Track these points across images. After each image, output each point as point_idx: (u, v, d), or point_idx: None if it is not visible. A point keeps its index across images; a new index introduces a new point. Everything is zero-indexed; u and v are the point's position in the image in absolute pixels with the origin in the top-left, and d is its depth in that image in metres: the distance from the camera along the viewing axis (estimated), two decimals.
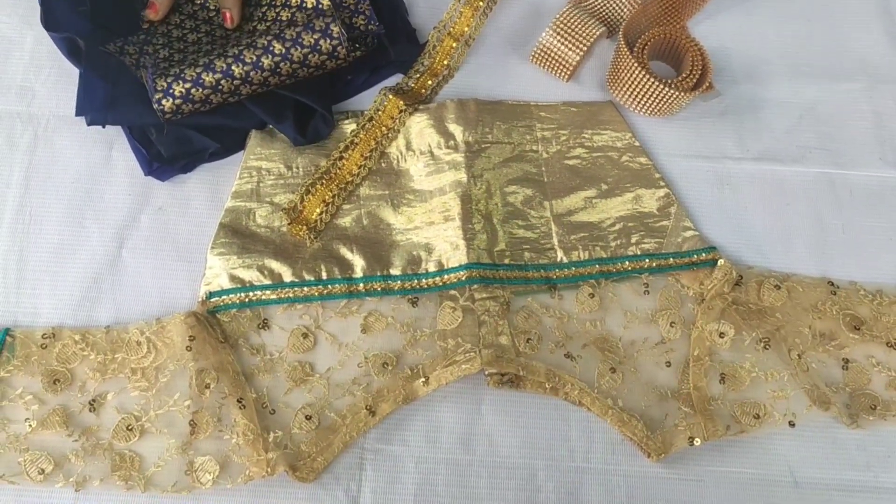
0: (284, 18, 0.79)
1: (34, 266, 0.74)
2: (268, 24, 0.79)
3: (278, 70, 0.74)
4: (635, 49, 0.81)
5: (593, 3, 0.87)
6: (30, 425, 0.67)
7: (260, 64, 0.73)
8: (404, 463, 0.68)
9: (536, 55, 0.84)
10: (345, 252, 0.74)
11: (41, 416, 0.67)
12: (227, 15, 0.78)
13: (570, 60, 0.82)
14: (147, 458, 0.66)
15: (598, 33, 0.82)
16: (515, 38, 0.87)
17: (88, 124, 0.75)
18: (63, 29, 0.78)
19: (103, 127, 0.77)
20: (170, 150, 0.76)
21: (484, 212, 0.75)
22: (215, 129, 0.77)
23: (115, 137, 0.79)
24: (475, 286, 0.72)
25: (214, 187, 0.78)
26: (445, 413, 0.70)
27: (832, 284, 0.76)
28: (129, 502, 0.66)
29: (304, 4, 0.77)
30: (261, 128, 0.79)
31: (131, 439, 0.67)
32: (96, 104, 0.75)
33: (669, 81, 0.80)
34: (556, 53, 0.83)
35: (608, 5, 0.86)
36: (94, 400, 0.68)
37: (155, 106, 0.73)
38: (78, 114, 0.75)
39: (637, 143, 0.81)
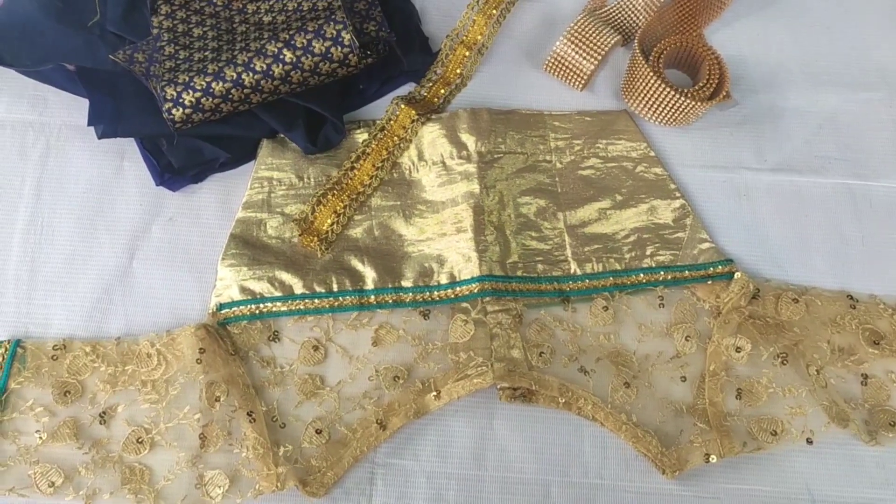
0: (291, 8, 0.78)
1: (46, 276, 0.74)
2: (273, 14, 0.78)
3: (289, 78, 0.74)
4: (651, 58, 0.80)
5: (608, 11, 0.86)
6: (40, 437, 0.67)
7: (270, 72, 0.73)
8: (415, 478, 0.68)
9: (550, 64, 0.83)
10: (356, 263, 0.73)
11: (51, 428, 0.67)
12: None
13: (584, 69, 0.81)
14: (157, 472, 0.66)
15: (612, 42, 0.81)
16: (529, 47, 0.87)
17: (100, 137, 0.75)
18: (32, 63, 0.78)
19: (113, 138, 0.77)
20: (180, 160, 0.76)
21: (496, 223, 0.75)
22: (226, 138, 0.77)
23: (126, 148, 0.79)
24: (487, 298, 0.72)
25: (225, 197, 0.78)
26: (457, 427, 0.69)
27: (851, 298, 0.74)
28: None
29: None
30: (271, 137, 0.78)
31: (141, 452, 0.66)
32: (106, 117, 0.75)
33: (686, 91, 0.78)
34: (570, 62, 0.82)
35: (623, 14, 0.86)
36: (104, 412, 0.68)
37: (165, 115, 0.72)
38: (90, 123, 0.75)
39: (652, 154, 0.80)
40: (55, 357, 0.70)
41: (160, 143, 0.76)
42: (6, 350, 0.70)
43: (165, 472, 0.66)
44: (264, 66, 0.73)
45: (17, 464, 0.66)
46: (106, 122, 0.75)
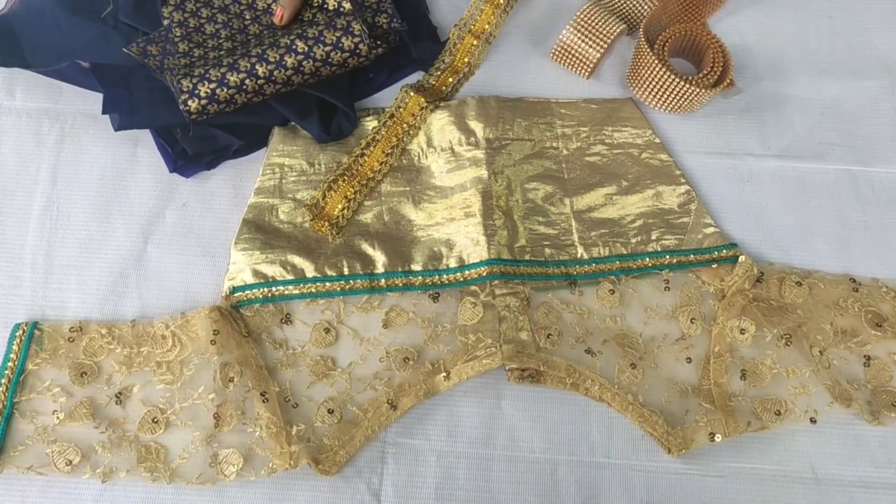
0: (306, 18, 0.79)
1: (62, 260, 0.75)
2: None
3: (301, 68, 0.75)
4: (656, 46, 0.81)
5: (613, 0, 0.87)
6: (57, 417, 0.68)
7: (283, 62, 0.74)
8: (426, 457, 0.69)
9: (557, 52, 0.84)
10: (366, 248, 0.75)
11: (69, 409, 0.68)
12: (280, 12, 0.78)
13: (590, 58, 0.82)
14: (172, 450, 0.67)
15: (618, 31, 0.82)
16: (536, 36, 0.88)
17: (116, 129, 0.76)
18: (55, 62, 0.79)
19: (128, 129, 0.78)
20: (194, 147, 0.77)
21: (504, 208, 0.76)
22: (239, 126, 0.78)
23: (140, 135, 0.80)
24: (496, 282, 0.73)
25: (237, 183, 0.79)
26: (466, 408, 0.70)
27: (854, 281, 0.75)
28: (154, 493, 0.67)
29: (326, 5, 0.78)
30: (283, 124, 0.80)
31: (157, 431, 0.68)
32: (121, 110, 0.76)
33: (690, 78, 0.80)
34: (576, 51, 0.83)
35: (628, 3, 0.87)
36: (120, 392, 0.69)
37: (181, 107, 0.73)
38: (104, 112, 0.76)
39: (657, 140, 0.81)
40: (72, 339, 0.71)
41: (174, 130, 0.77)
42: (24, 332, 0.71)
43: (180, 451, 0.67)
44: (277, 57, 0.74)
45: (35, 443, 0.67)
46: (122, 115, 0.76)
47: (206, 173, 0.79)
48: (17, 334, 0.71)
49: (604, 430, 0.70)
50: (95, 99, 0.77)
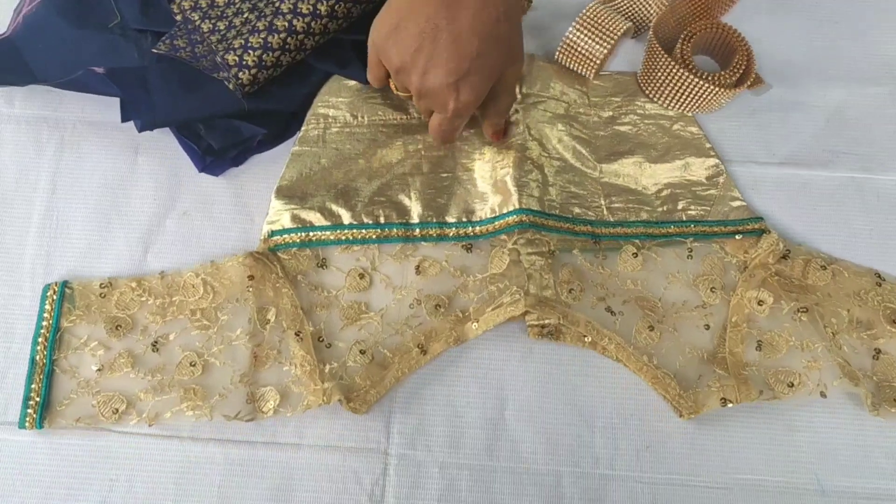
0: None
1: (61, 270, 0.75)
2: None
3: (335, 14, 0.76)
4: (680, 41, 0.82)
5: (619, 2, 0.86)
6: (98, 370, 0.69)
7: (318, 12, 0.75)
8: (428, 468, 0.69)
9: (563, 51, 0.83)
10: (403, 198, 0.77)
11: (108, 361, 0.70)
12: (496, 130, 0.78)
13: (596, 55, 0.82)
14: (212, 390, 0.69)
15: (624, 28, 0.81)
16: (538, 42, 0.87)
17: (140, 131, 0.76)
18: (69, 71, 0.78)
19: (151, 130, 0.77)
20: (220, 141, 0.77)
21: (536, 163, 0.77)
22: (260, 115, 0.78)
23: (140, 143, 0.80)
24: (522, 241, 0.74)
25: (238, 192, 0.78)
26: (469, 419, 0.70)
27: (879, 276, 0.76)
28: (157, 497, 0.67)
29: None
30: (305, 110, 0.81)
31: (195, 374, 0.69)
32: (141, 112, 0.76)
33: (710, 76, 0.80)
34: (582, 48, 0.82)
35: (634, 5, 0.86)
36: (156, 341, 0.70)
37: (233, 82, 0.75)
38: (124, 119, 0.76)
39: (689, 114, 0.82)
40: (103, 294, 0.72)
41: (197, 127, 0.78)
42: (54, 292, 0.72)
43: (220, 389, 0.69)
44: (310, 7, 0.75)
45: (79, 396, 0.69)
46: (143, 117, 0.76)
47: (205, 182, 0.79)
48: (49, 294, 0.72)
49: (608, 442, 0.70)
50: (95, 106, 0.77)
